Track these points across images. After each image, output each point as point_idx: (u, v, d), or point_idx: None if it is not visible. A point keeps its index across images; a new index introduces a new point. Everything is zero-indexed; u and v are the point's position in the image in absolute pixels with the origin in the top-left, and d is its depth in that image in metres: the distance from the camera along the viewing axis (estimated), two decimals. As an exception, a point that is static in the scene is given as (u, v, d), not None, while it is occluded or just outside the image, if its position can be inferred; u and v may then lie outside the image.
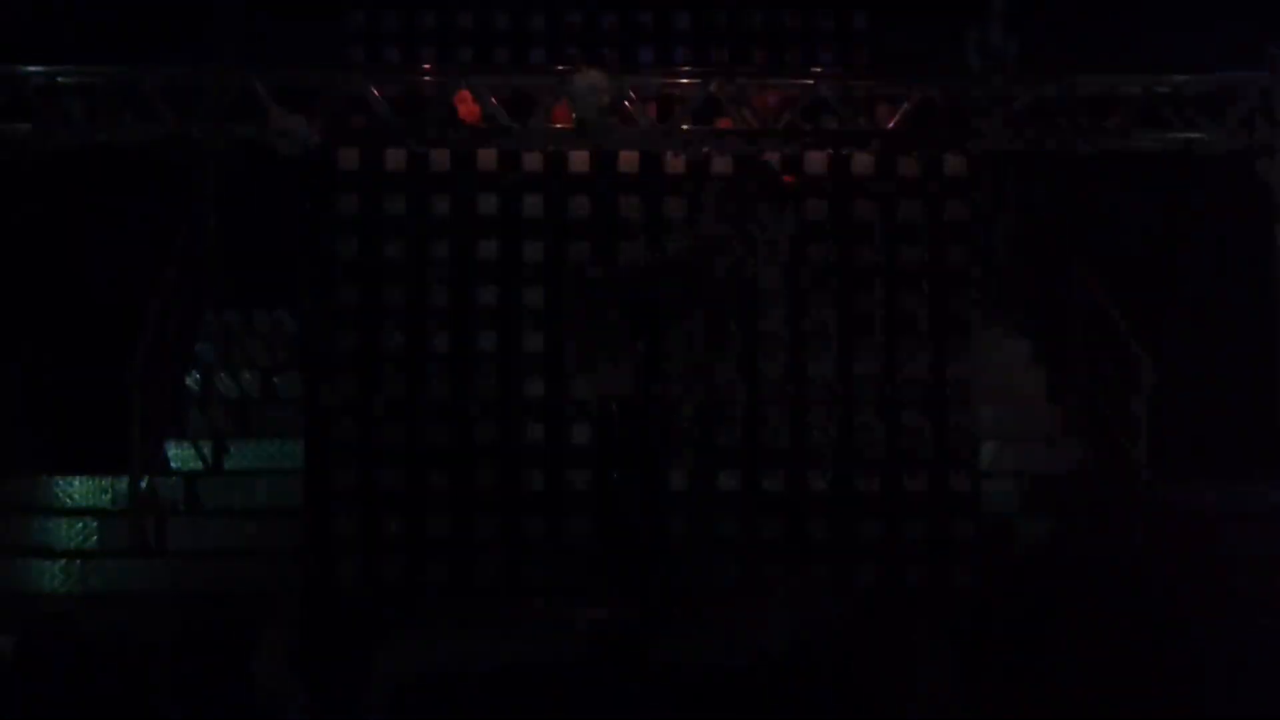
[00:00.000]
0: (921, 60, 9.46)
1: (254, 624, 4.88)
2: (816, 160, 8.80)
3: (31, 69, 8.28)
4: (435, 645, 7.30)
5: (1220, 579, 8.50)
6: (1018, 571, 8.62)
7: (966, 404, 8.80)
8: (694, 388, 8.46)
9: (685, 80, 8.75)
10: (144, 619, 7.12)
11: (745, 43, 10.76)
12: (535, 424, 8.75)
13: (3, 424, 10.12)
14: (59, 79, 8.30)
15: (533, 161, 8.72)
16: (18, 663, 3.50)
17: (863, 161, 8.72)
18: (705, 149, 8.45)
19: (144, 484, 9.05)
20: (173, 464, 9.60)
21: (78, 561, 8.75)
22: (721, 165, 8.68)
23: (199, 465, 9.63)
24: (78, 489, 9.41)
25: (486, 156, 8.69)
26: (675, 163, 8.70)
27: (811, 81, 8.53)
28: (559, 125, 8.48)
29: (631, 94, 8.38)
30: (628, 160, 8.80)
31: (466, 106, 8.66)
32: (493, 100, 8.36)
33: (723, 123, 9.01)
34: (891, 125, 8.56)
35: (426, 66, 10.18)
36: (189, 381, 10.05)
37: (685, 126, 8.47)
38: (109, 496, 9.37)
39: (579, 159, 8.76)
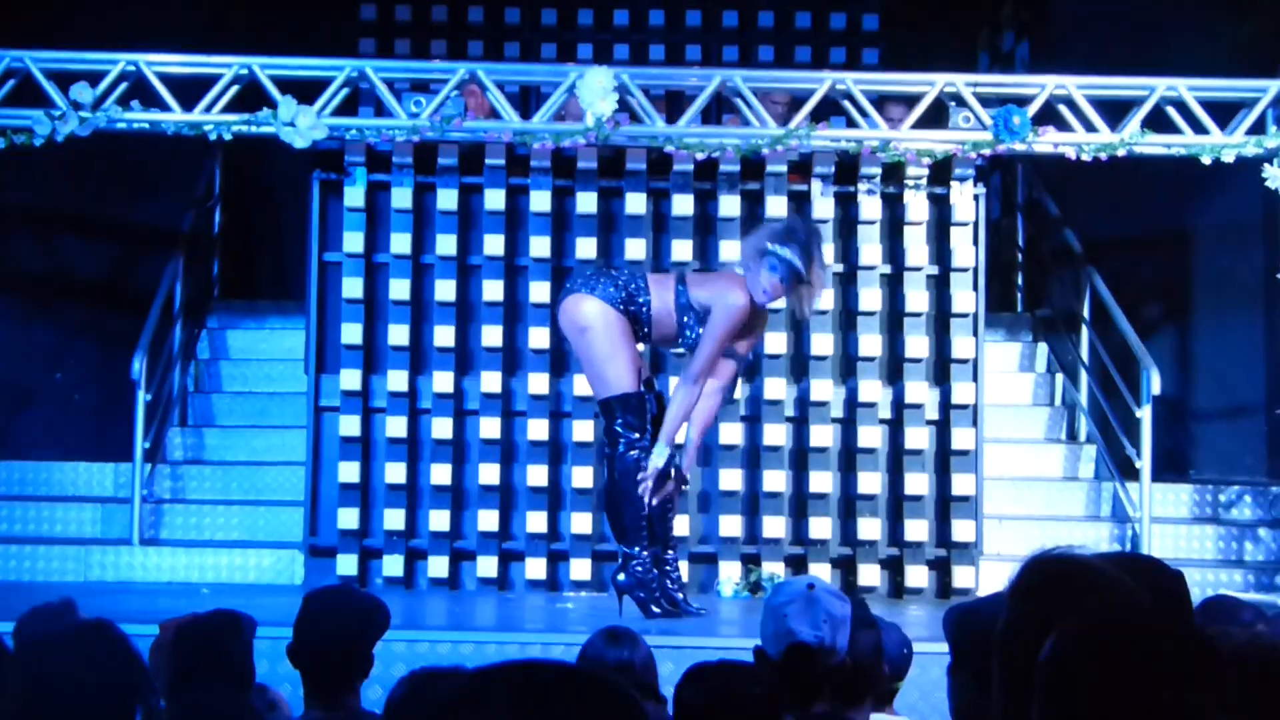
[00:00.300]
0: (932, 61, 9.44)
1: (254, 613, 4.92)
2: (825, 159, 8.83)
3: (41, 55, 8.26)
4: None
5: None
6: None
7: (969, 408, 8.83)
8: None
9: (695, 78, 8.73)
10: (145, 608, 7.12)
11: (755, 41, 10.78)
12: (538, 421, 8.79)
13: (5, 409, 10.15)
14: (67, 67, 8.29)
15: (541, 157, 8.75)
16: (18, 652, 3.53)
17: (871, 161, 8.75)
18: (714, 147, 8.44)
19: (147, 472, 9.07)
20: (175, 453, 9.63)
21: (81, 549, 8.78)
22: (730, 164, 8.71)
23: (202, 454, 9.66)
24: (81, 476, 9.44)
25: (494, 151, 8.72)
26: (684, 161, 8.72)
27: (822, 81, 8.50)
28: (568, 121, 8.47)
29: (641, 91, 8.36)
30: (636, 157, 8.83)
31: (476, 100, 8.66)
32: (502, 95, 8.34)
33: (732, 121, 9.01)
34: (902, 125, 8.54)
35: (437, 59, 10.21)
36: (193, 369, 10.07)
37: (694, 125, 8.45)
38: (111, 484, 9.41)
39: (587, 155, 8.79)
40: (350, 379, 8.75)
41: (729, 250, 8.78)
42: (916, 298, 8.89)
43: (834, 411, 8.82)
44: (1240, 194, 9.09)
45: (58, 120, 8.13)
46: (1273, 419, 9.58)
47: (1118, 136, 8.40)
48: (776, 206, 8.82)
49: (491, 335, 8.80)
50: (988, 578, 8.62)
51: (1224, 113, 8.51)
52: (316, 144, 8.35)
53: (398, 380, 8.76)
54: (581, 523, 8.68)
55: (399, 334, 8.78)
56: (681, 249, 8.83)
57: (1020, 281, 11.17)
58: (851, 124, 8.52)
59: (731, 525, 8.75)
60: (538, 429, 8.78)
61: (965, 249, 8.86)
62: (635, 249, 8.82)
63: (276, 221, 11.72)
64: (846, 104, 8.47)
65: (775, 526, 8.73)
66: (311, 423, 8.85)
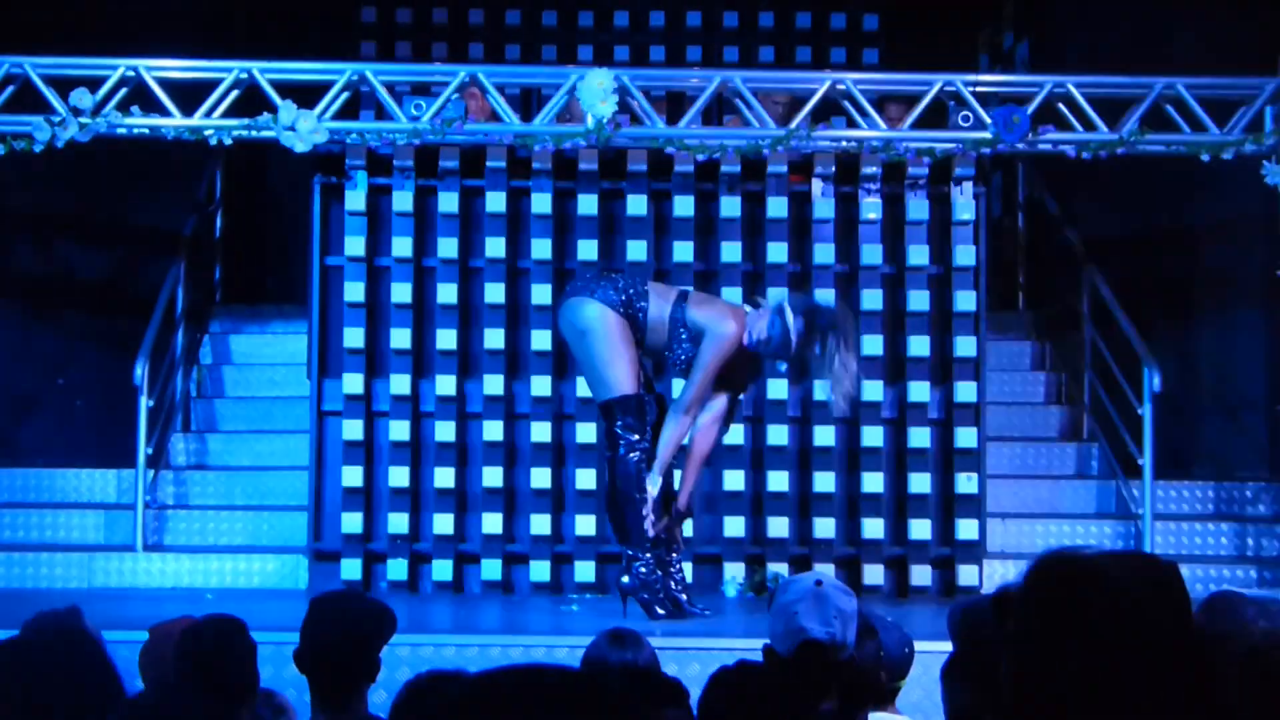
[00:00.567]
0: (932, 61, 9.45)
1: (258, 619, 4.94)
2: (825, 159, 8.83)
3: (40, 61, 8.27)
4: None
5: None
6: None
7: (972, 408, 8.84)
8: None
9: (695, 79, 8.74)
10: (150, 613, 7.12)
11: (755, 42, 10.79)
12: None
13: (8, 416, 10.15)
14: (66, 72, 8.29)
15: (542, 159, 8.76)
16: (21, 657, 3.51)
17: (871, 161, 8.75)
18: (715, 148, 8.44)
19: (150, 477, 9.08)
20: (179, 458, 9.64)
21: (85, 555, 8.78)
22: (731, 165, 8.71)
23: (205, 459, 9.67)
24: (84, 482, 9.45)
25: (495, 153, 8.72)
26: (685, 162, 8.72)
27: (822, 81, 8.51)
28: (569, 122, 8.48)
29: (642, 93, 8.37)
30: (637, 159, 8.83)
31: (477, 102, 8.67)
32: (503, 97, 8.35)
33: (733, 122, 9.02)
34: (902, 125, 8.55)
35: (437, 62, 10.22)
36: (196, 374, 10.08)
37: (695, 126, 8.46)
38: (114, 489, 9.42)
39: (588, 157, 8.79)
40: (353, 383, 8.76)
41: (730, 252, 8.79)
42: (918, 297, 8.89)
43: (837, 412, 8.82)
44: (1241, 192, 9.09)
45: (58, 126, 8.14)
46: (1274, 416, 9.59)
47: (1117, 135, 8.41)
48: (777, 207, 8.83)
49: (494, 338, 8.80)
50: (992, 576, 8.63)
51: (1223, 111, 8.52)
52: (317, 148, 8.35)
53: (400, 384, 8.77)
54: (585, 525, 8.69)
55: (401, 337, 8.79)
56: (683, 250, 8.83)
57: (1021, 280, 11.18)
58: (852, 124, 8.53)
59: (736, 526, 8.76)
60: (541, 432, 8.79)
61: (966, 248, 8.86)
62: (637, 251, 8.82)
63: (278, 225, 11.74)
64: (846, 104, 8.48)
65: (779, 527, 8.74)
66: (315, 427, 8.85)
